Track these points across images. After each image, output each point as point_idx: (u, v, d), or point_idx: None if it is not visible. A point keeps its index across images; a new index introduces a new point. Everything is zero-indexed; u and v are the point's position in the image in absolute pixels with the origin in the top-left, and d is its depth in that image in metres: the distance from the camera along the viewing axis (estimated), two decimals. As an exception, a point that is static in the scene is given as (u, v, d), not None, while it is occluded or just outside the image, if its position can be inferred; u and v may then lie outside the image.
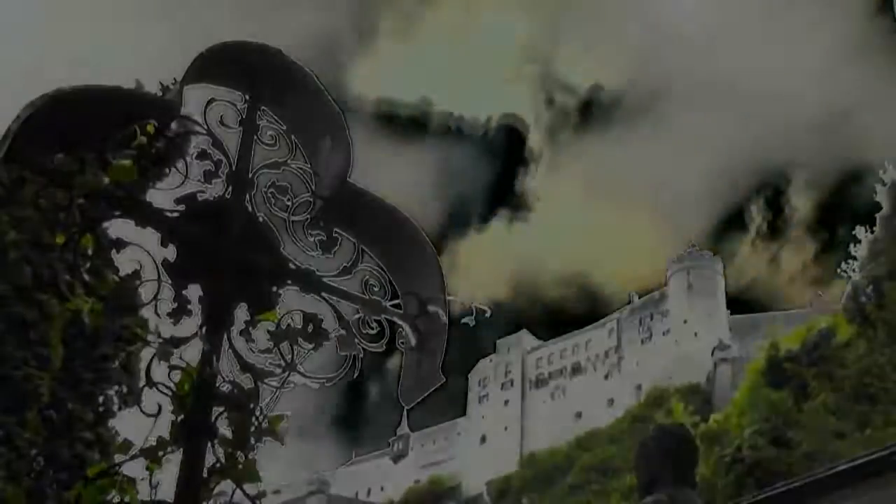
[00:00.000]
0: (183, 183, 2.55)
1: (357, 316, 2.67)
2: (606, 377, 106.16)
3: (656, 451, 3.55)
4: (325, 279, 2.69)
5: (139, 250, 2.41)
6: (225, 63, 2.72)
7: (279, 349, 2.53)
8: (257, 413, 2.43)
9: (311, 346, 2.57)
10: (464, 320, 2.74)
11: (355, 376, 2.61)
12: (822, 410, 45.66)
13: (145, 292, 2.48)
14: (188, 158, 2.58)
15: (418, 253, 2.85)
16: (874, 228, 45.45)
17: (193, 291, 2.51)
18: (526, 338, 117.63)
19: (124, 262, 2.40)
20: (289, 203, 2.70)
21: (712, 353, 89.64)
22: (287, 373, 2.51)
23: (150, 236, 2.46)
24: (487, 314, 2.76)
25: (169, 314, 2.45)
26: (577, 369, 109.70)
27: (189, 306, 2.48)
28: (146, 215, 2.47)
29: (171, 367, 2.37)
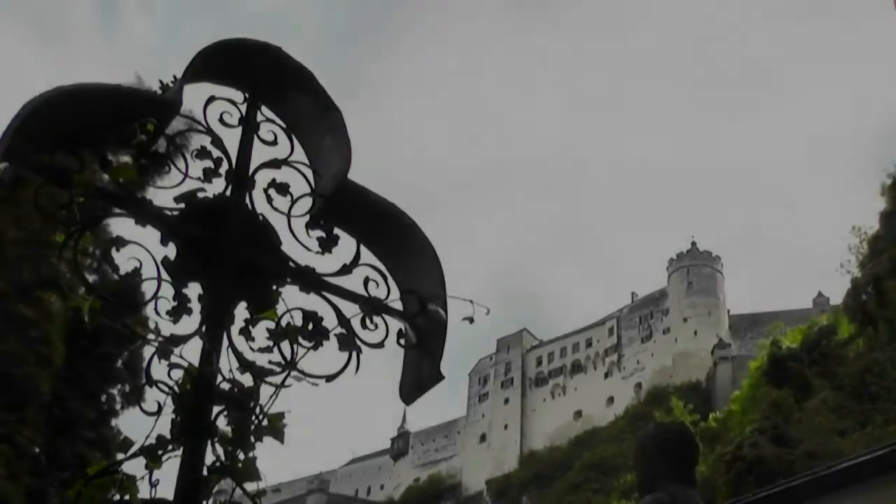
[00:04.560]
0: (183, 181, 2.55)
1: (357, 314, 2.67)
2: (606, 376, 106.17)
3: (656, 449, 3.55)
4: (325, 277, 2.69)
5: (139, 248, 2.41)
6: (225, 61, 2.72)
7: (279, 347, 2.53)
8: (257, 411, 2.43)
9: (310, 344, 2.56)
10: (463, 318, 2.73)
11: (355, 374, 2.61)
12: (822, 408, 45.67)
13: (145, 290, 2.48)
14: (188, 156, 2.58)
15: (419, 251, 2.85)
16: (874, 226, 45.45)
17: (193, 290, 2.51)
18: (526, 336, 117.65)
19: (124, 261, 2.40)
20: (289, 201, 2.70)
21: (712, 352, 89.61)
22: (287, 371, 2.51)
23: (150, 235, 2.47)
24: (487, 313, 2.76)
25: (169, 312, 2.45)
26: (577, 368, 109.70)
27: (189, 304, 2.48)
28: (146, 214, 2.47)
29: (171, 366, 2.37)
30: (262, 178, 2.71)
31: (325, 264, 2.71)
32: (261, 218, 2.68)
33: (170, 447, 2.29)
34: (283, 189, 2.70)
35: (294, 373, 2.52)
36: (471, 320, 2.72)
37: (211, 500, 2.34)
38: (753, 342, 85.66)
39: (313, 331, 2.58)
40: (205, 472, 2.32)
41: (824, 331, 51.97)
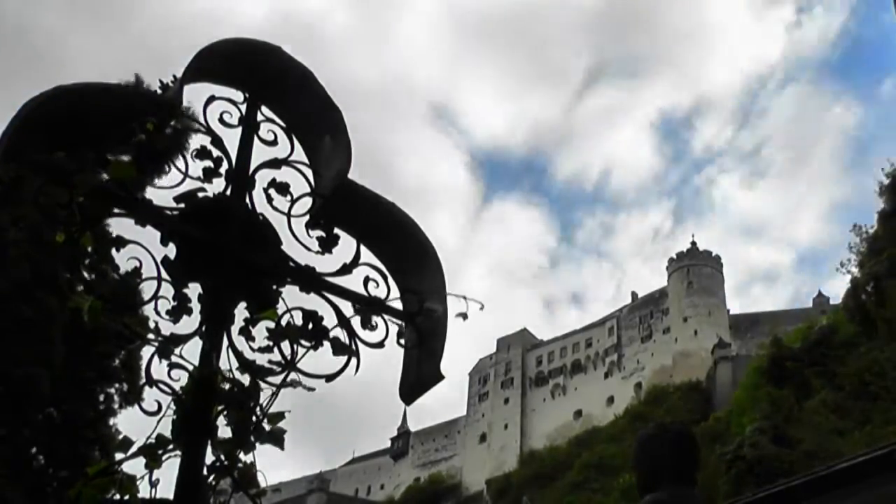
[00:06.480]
0: (183, 181, 2.55)
1: (357, 314, 2.67)
2: (606, 376, 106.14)
3: (656, 449, 3.54)
4: (325, 277, 2.69)
5: (139, 248, 2.41)
6: (225, 61, 2.72)
7: (279, 347, 2.53)
8: (257, 411, 2.42)
9: (310, 344, 2.56)
10: (457, 314, 2.73)
11: (355, 374, 2.61)
12: (822, 408, 45.71)
13: (145, 290, 2.48)
14: (188, 156, 2.58)
15: (418, 250, 2.85)
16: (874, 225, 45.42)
17: (193, 289, 2.51)
18: (526, 336, 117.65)
19: (124, 261, 2.40)
20: (289, 201, 2.70)
21: (712, 352, 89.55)
22: (286, 371, 2.51)
23: (150, 234, 2.47)
24: (481, 308, 2.76)
25: (169, 312, 2.45)
26: (577, 368, 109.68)
27: (189, 304, 2.48)
28: (146, 213, 2.47)
29: (171, 366, 2.37)
30: (262, 177, 2.71)
31: (325, 264, 2.71)
32: (261, 218, 2.68)
33: (170, 447, 2.29)
34: (283, 189, 2.70)
35: (293, 373, 2.52)
36: (464, 317, 2.72)
37: (211, 500, 2.33)
38: (753, 342, 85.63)
39: (313, 331, 2.58)
40: (205, 472, 2.32)
41: (824, 331, 52.00)
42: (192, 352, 2.42)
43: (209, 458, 2.34)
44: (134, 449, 2.28)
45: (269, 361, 2.51)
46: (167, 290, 2.46)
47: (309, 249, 2.70)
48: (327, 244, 2.72)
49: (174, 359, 2.38)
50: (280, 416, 2.44)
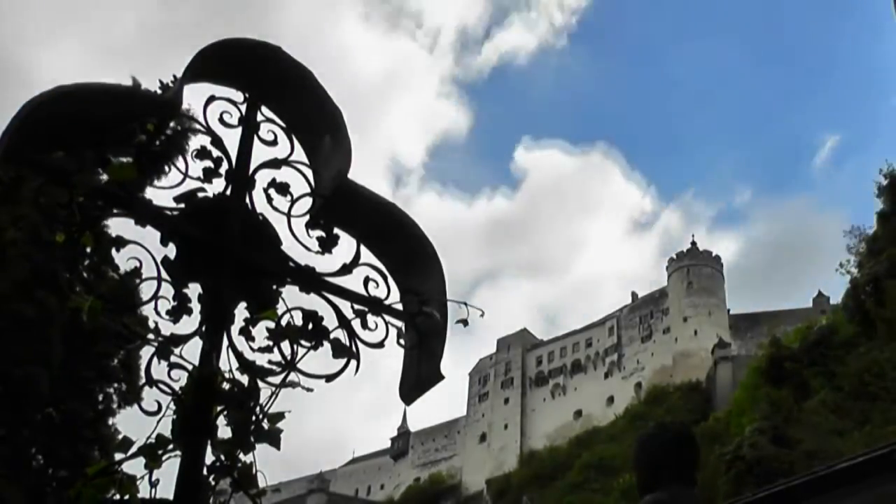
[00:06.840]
0: (183, 181, 2.55)
1: (357, 315, 2.67)
2: (606, 376, 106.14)
3: (656, 449, 3.54)
4: (325, 277, 2.69)
5: (139, 248, 2.41)
6: (224, 61, 2.72)
7: (279, 347, 2.53)
8: (257, 411, 2.42)
9: (310, 344, 2.56)
10: (457, 321, 2.73)
11: (355, 375, 2.61)
12: (821, 409, 45.72)
13: (145, 290, 2.48)
14: (188, 156, 2.58)
15: (418, 251, 2.85)
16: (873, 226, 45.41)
17: (193, 289, 2.51)
18: (526, 336, 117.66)
19: (124, 261, 2.40)
20: (289, 201, 2.70)
21: (712, 351, 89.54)
22: (286, 371, 2.51)
23: (150, 234, 2.47)
24: (481, 315, 2.77)
25: (169, 312, 2.45)
26: (577, 368, 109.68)
27: (189, 304, 2.48)
28: (146, 213, 2.46)
29: (171, 366, 2.37)
30: (262, 177, 2.71)
31: (325, 264, 2.71)
32: (261, 218, 2.68)
33: (170, 447, 2.29)
34: (283, 189, 2.70)
35: (293, 373, 2.52)
36: (465, 323, 2.73)
37: (211, 501, 2.33)
38: (753, 342, 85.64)
39: (313, 331, 2.58)
40: (204, 472, 2.32)
41: (824, 331, 52.01)
42: (192, 352, 2.42)
43: (209, 458, 2.34)
44: (134, 449, 2.28)
45: (269, 361, 2.51)
46: (167, 290, 2.46)
47: (309, 249, 2.70)
48: (327, 244, 2.72)
49: (174, 359, 2.38)
50: (280, 416, 2.44)
